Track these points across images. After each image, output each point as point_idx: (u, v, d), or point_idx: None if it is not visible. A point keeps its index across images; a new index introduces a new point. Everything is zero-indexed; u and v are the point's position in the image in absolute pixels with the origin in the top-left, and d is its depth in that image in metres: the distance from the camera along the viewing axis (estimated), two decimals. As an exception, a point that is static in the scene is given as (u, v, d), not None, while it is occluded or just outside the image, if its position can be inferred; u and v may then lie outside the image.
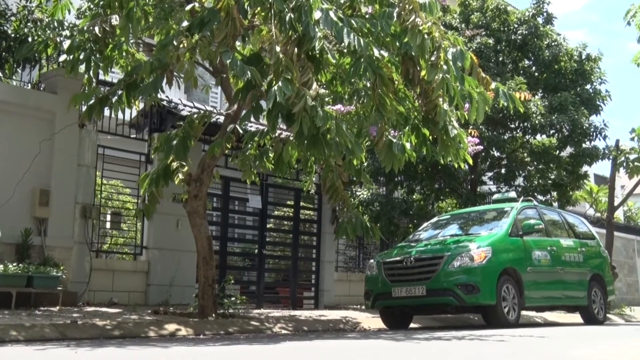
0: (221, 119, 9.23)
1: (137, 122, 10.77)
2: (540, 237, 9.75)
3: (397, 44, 7.37)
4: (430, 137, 8.28)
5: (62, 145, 9.27)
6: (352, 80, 7.54)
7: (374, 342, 6.00)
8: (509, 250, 9.06)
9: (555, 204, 14.52)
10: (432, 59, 7.15)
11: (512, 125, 13.47)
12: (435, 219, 11.04)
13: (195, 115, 8.23)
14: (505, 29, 13.57)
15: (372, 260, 9.63)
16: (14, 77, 9.87)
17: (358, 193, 13.49)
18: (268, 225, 12.94)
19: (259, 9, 6.96)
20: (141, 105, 9.48)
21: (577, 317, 11.13)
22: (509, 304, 8.73)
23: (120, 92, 7.67)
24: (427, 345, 5.50)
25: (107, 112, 8.17)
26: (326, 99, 7.52)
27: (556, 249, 9.91)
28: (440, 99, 7.58)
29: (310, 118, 6.35)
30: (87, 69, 7.70)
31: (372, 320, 9.39)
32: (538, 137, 13.74)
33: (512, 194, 10.76)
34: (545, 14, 13.93)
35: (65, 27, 8.29)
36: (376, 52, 6.73)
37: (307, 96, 6.26)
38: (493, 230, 9.40)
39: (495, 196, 11.09)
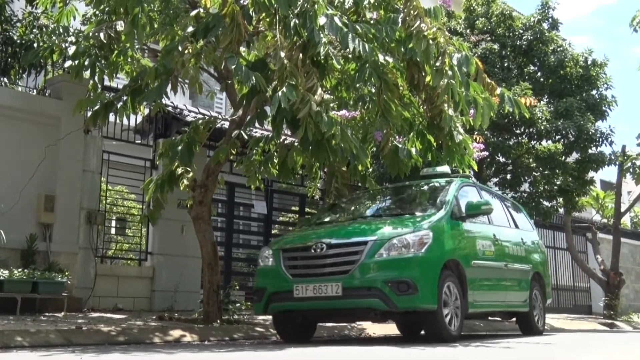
0: (226, 124, 9.22)
1: (142, 128, 10.78)
2: (482, 223, 7.75)
3: (402, 49, 7.37)
4: (436, 143, 8.27)
5: (68, 151, 9.28)
6: (357, 85, 7.54)
7: (380, 348, 5.97)
8: (451, 237, 6.99)
9: (561, 210, 14.49)
10: (437, 64, 7.14)
11: (518, 131, 13.45)
12: (355, 194, 9.02)
13: (200, 121, 8.23)
14: (511, 34, 13.58)
15: (266, 248, 7.32)
16: (19, 83, 9.90)
17: (363, 199, 13.45)
18: (273, 231, 12.92)
19: (263, 14, 6.97)
20: (146, 111, 9.49)
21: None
22: (451, 310, 6.64)
23: (125, 97, 7.69)
24: (433, 352, 5.47)
25: (112, 117, 8.18)
26: (331, 105, 7.53)
27: (500, 239, 7.91)
28: (445, 105, 7.56)
29: (315, 124, 6.35)
30: (92, 74, 7.73)
31: (377, 327, 9.34)
32: (544, 142, 13.71)
33: (445, 168, 8.29)
34: (550, 19, 13.92)
35: (70, 33, 8.33)
36: (381, 58, 6.73)
37: (312, 102, 6.26)
38: (430, 210, 7.24)
39: (424, 171, 8.51)
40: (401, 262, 6.35)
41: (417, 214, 7.18)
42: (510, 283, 8.10)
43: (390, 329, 9.10)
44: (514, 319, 8.95)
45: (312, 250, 6.64)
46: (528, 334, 8.44)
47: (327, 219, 7.84)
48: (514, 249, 8.25)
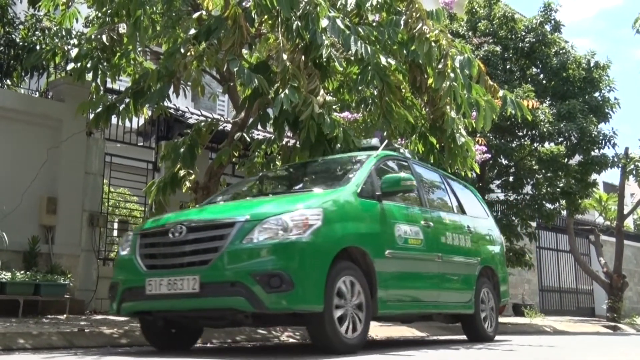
0: (228, 127, 9.23)
1: (144, 130, 10.80)
2: (409, 205, 6.33)
3: (404, 51, 7.38)
4: (438, 145, 8.26)
5: (70, 153, 9.29)
6: (360, 88, 7.54)
7: (381, 356, 5.95)
8: (356, 219, 5.47)
9: (564, 213, 14.45)
10: (440, 66, 7.14)
11: (520, 133, 13.45)
12: (261, 174, 7.47)
13: (202, 123, 8.24)
14: (513, 36, 13.58)
15: (128, 233, 5.99)
16: (21, 85, 9.91)
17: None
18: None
19: (266, 17, 6.98)
20: (148, 113, 9.51)
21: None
22: (349, 311, 5.14)
23: (127, 100, 7.70)
24: (436, 355, 5.46)
25: (114, 120, 8.20)
26: (333, 107, 7.53)
27: (434, 225, 6.46)
28: (448, 107, 7.57)
29: (317, 125, 6.35)
30: (95, 77, 7.74)
31: (380, 329, 9.33)
32: (546, 145, 13.72)
33: (374, 141, 6.90)
34: (553, 21, 13.92)
35: (73, 36, 8.33)
36: (383, 60, 6.73)
37: (314, 103, 6.26)
38: (334, 186, 5.78)
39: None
40: (275, 248, 4.84)
41: (316, 190, 5.77)
42: (448, 279, 6.68)
43: (397, 330, 9.08)
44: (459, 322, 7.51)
45: (170, 235, 5.16)
46: (475, 340, 7.19)
47: (218, 199, 6.48)
48: (454, 238, 6.85)
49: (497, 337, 8.02)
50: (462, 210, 7.44)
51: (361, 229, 5.48)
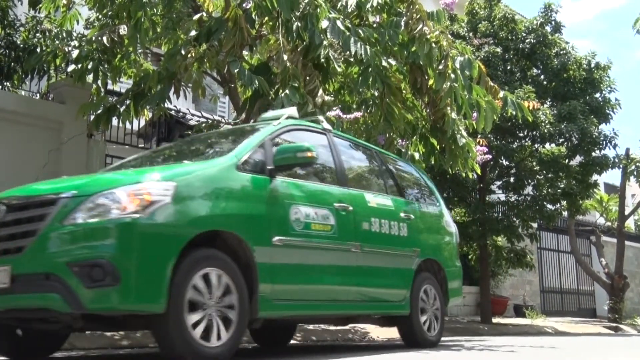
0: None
1: (145, 132, 10.79)
2: (317, 184, 5.27)
3: (405, 53, 7.38)
4: (439, 147, 8.25)
5: (70, 155, 9.26)
6: (360, 89, 7.55)
7: (380, 357, 5.95)
8: (228, 197, 4.37)
9: (565, 214, 14.41)
10: (440, 67, 7.15)
11: (521, 134, 13.45)
12: (156, 147, 6.01)
13: (203, 125, 8.23)
14: (513, 37, 13.58)
15: None
16: (22, 87, 9.90)
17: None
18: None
19: (266, 18, 6.98)
20: (149, 115, 9.50)
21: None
22: (212, 313, 4.09)
23: (128, 101, 7.71)
24: (437, 355, 5.46)
25: (115, 121, 8.20)
26: (334, 108, 7.53)
27: (353, 208, 5.38)
28: (448, 108, 7.56)
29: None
30: (95, 78, 7.76)
31: (380, 330, 9.32)
32: (547, 145, 13.71)
33: (291, 110, 5.61)
34: (553, 22, 13.92)
35: (73, 37, 8.34)
36: (383, 61, 6.73)
37: (309, 103, 6.26)
38: (212, 158, 4.90)
39: (268, 113, 5.84)
40: (99, 231, 3.77)
41: (186, 162, 4.80)
42: (371, 274, 5.58)
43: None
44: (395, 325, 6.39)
45: None
46: (413, 346, 6.11)
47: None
48: (382, 225, 5.75)
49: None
50: (400, 194, 6.38)
51: (235, 209, 4.40)
